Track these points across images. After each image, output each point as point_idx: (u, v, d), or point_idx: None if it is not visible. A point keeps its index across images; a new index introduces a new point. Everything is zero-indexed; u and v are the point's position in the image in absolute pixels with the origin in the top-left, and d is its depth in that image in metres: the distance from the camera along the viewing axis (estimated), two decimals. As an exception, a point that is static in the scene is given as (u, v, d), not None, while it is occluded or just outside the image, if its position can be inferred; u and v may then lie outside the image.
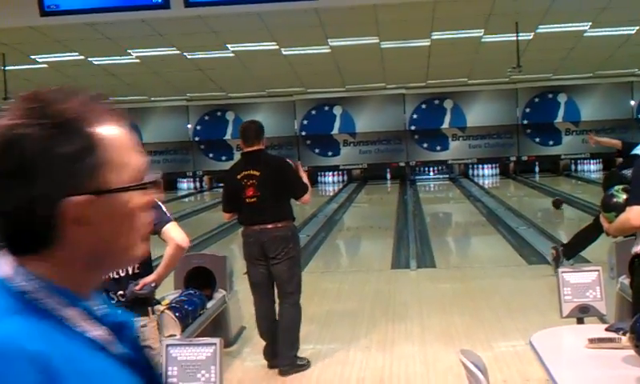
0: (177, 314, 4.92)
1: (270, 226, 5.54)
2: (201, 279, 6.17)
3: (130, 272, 3.57)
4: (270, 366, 5.71)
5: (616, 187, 4.27)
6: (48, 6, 9.96)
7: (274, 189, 5.60)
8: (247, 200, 5.57)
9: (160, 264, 3.56)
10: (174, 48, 15.37)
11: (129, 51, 15.54)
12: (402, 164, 23.98)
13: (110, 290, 3.56)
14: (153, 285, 3.58)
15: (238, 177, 5.67)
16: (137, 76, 18.44)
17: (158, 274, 3.59)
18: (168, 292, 5.93)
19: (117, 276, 3.56)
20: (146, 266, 3.64)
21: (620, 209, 4.00)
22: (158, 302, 5.20)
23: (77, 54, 15.53)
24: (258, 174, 5.60)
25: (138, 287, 3.53)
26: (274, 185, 5.61)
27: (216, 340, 3.52)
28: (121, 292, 3.56)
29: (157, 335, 3.70)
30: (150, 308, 3.64)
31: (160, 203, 3.62)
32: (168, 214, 3.58)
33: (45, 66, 16.67)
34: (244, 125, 6.11)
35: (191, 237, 13.60)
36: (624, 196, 4.08)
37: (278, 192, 5.63)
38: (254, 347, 6.33)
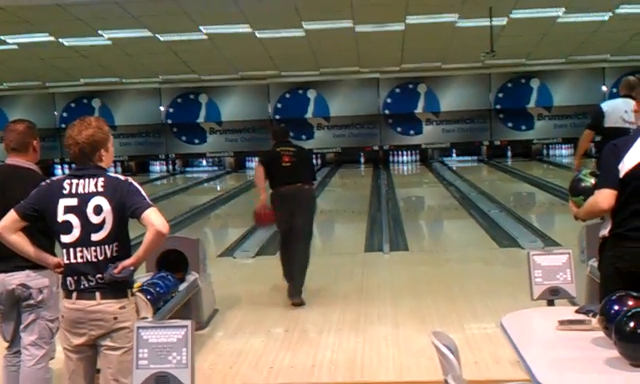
0: (148, 297, 4.88)
1: (306, 186, 7.31)
2: (173, 262, 6.13)
3: (109, 255, 3.53)
4: (294, 303, 6.94)
5: (584, 171, 4.30)
6: (17, -15, 9.83)
7: (303, 161, 7.44)
8: (283, 164, 7.21)
9: (139, 248, 3.55)
10: (147, 30, 15.22)
11: (100, 32, 15.36)
12: (376, 148, 24.02)
13: (88, 273, 3.53)
14: (131, 268, 3.56)
15: (277, 149, 7.39)
16: (109, 58, 18.23)
17: (137, 258, 3.56)
18: (140, 274, 5.89)
19: (95, 259, 3.52)
20: (125, 250, 3.61)
21: (588, 193, 4.03)
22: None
23: (47, 34, 15.32)
24: (293, 149, 7.43)
25: (116, 270, 3.50)
26: (303, 159, 7.49)
27: (187, 322, 3.50)
28: (99, 275, 3.52)
29: (135, 317, 3.68)
30: (129, 290, 3.62)
31: (140, 188, 3.59)
32: (148, 199, 3.55)
33: (15, 46, 16.44)
34: (276, 128, 8.54)
35: (164, 220, 13.49)
36: (592, 180, 4.11)
37: (305, 164, 7.48)
38: (226, 330, 6.33)
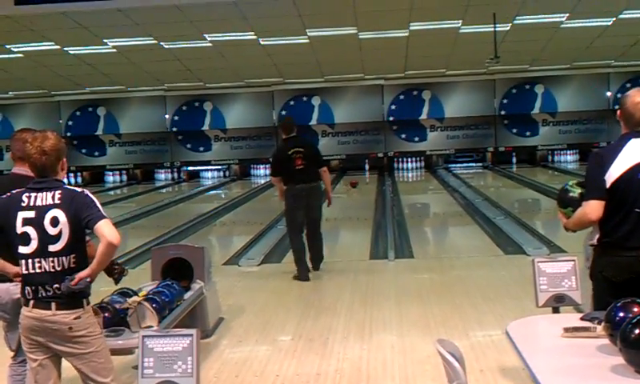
0: (154, 306, 4.89)
1: (313, 184, 8.52)
2: (178, 270, 6.14)
3: (66, 266, 3.63)
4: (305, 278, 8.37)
5: (570, 182, 4.29)
6: (23, -6, 9.88)
7: (312, 159, 8.56)
8: (297, 167, 8.39)
9: (94, 260, 3.65)
10: (151, 38, 15.26)
11: (105, 41, 15.40)
12: (381, 155, 24.03)
13: (46, 283, 3.62)
14: (88, 280, 3.64)
15: (289, 153, 8.45)
16: (114, 66, 18.29)
17: (92, 269, 3.65)
18: (145, 283, 5.90)
19: (53, 270, 3.61)
20: (82, 261, 3.70)
21: (576, 204, 4.02)
22: (136, 294, 5.18)
23: (52, 43, 15.37)
24: (302, 150, 8.51)
25: (73, 282, 3.59)
26: (312, 156, 8.60)
27: (193, 331, 3.51)
28: (56, 285, 3.61)
29: (95, 324, 3.75)
30: (84, 300, 3.70)
31: (95, 199, 3.69)
32: (102, 211, 3.65)
33: (20, 55, 16.50)
34: (285, 120, 9.34)
35: (169, 228, 13.58)
36: (579, 190, 4.10)
37: (314, 161, 8.58)
38: (231, 339, 6.33)
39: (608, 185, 3.76)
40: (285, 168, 8.53)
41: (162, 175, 24.96)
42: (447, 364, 2.84)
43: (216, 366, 5.62)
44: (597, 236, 3.90)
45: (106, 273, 4.25)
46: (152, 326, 4.70)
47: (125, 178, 24.83)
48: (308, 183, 8.45)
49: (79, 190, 3.74)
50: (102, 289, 4.97)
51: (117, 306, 4.87)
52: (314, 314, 7.00)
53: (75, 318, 3.64)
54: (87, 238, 3.83)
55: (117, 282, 4.42)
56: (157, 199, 18.86)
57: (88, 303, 3.74)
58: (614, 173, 3.76)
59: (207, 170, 24.75)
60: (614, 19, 15.51)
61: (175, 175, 24.85)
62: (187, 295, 5.87)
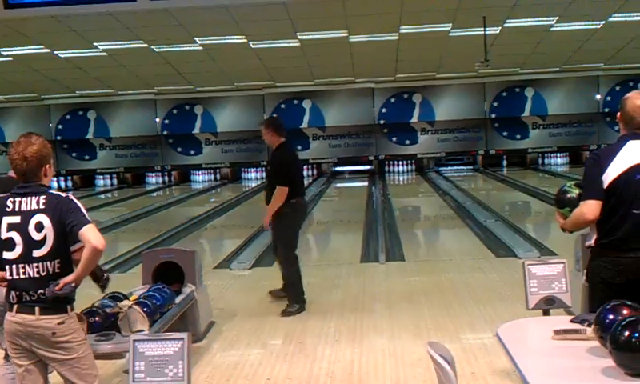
0: (145, 309, 4.87)
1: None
2: (169, 274, 6.13)
3: (51, 271, 3.63)
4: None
5: (568, 183, 4.31)
6: (12, -3, 9.83)
7: None
8: (303, 176, 7.39)
9: (79, 265, 3.65)
10: (142, 41, 15.24)
11: (95, 44, 15.37)
12: (372, 158, 24.07)
13: (30, 289, 3.62)
14: (73, 285, 3.65)
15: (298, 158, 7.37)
16: (104, 69, 18.25)
17: (77, 275, 3.65)
18: (136, 287, 5.89)
19: (37, 275, 3.61)
20: (67, 266, 3.70)
21: (574, 204, 4.04)
22: (127, 298, 5.17)
23: (42, 46, 15.34)
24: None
25: (58, 287, 3.59)
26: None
27: (184, 335, 3.50)
28: (41, 291, 3.61)
29: (80, 329, 3.76)
30: (68, 306, 3.71)
31: (80, 205, 3.68)
32: (87, 216, 3.66)
33: (10, 59, 16.45)
34: (276, 119, 8.28)
35: (160, 232, 13.56)
36: (577, 191, 4.12)
37: None
38: (223, 342, 6.32)
39: (605, 185, 3.78)
40: (297, 175, 7.16)
41: (153, 179, 24.91)
42: (438, 367, 2.85)
43: (207, 369, 5.61)
44: (594, 237, 3.91)
45: (94, 279, 4.24)
46: (143, 330, 4.69)
47: (115, 181, 24.78)
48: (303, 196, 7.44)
49: (64, 195, 3.73)
50: (93, 293, 4.96)
51: (107, 310, 4.86)
52: (305, 318, 6.99)
53: (59, 323, 3.63)
54: (81, 243, 3.81)
55: (103, 288, 4.42)
56: (147, 203, 18.82)
57: (72, 309, 3.74)
58: (611, 173, 3.78)
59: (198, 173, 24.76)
60: (604, 22, 15.58)
61: (166, 178, 24.81)
62: (178, 299, 5.86)
